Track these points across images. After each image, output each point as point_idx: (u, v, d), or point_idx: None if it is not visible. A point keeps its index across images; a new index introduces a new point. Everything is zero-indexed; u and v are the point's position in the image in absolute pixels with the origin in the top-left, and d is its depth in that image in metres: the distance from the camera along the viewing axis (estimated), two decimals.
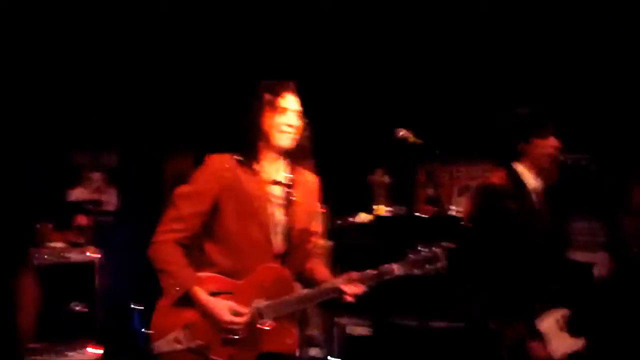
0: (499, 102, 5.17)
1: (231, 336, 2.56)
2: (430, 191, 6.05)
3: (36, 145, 5.34)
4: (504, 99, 5.29)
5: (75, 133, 5.59)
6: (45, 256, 4.44)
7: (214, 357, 2.55)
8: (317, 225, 2.90)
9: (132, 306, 4.77)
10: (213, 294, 2.58)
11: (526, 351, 2.97)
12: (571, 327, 3.02)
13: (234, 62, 5.75)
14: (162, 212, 2.69)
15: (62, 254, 4.52)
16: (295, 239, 2.70)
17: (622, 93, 5.38)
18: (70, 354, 4.32)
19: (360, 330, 4.61)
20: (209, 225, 2.66)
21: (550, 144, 3.09)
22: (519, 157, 3.14)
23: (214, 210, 2.64)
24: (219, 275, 2.62)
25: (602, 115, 5.45)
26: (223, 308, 2.55)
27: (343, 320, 4.68)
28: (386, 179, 5.98)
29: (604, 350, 3.34)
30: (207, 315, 2.56)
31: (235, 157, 2.67)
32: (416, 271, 2.65)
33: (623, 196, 4.26)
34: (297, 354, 2.82)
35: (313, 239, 2.86)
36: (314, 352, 4.67)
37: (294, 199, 2.72)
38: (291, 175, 2.75)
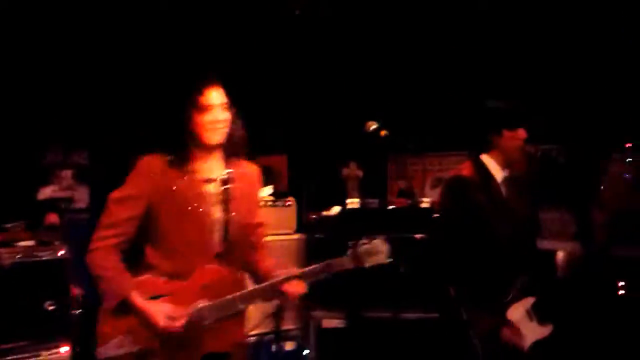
0: (472, 94, 5.20)
1: (171, 339, 2.53)
2: (402, 183, 6.08)
3: (5, 144, 5.27)
4: (479, 91, 5.33)
5: (45, 132, 5.52)
6: (17, 255, 4.38)
7: None
8: (260, 217, 2.85)
9: None
10: (153, 298, 2.55)
11: (498, 341, 3.01)
12: (539, 315, 3.07)
13: (207, 59, 5.72)
14: None
15: (33, 252, 4.46)
16: (235, 234, 2.66)
17: (597, 86, 5.44)
18: (43, 353, 4.27)
19: (334, 322, 4.63)
20: (146, 228, 2.63)
21: (519, 135, 3.13)
22: (488, 149, 3.18)
23: (149, 213, 2.61)
24: (159, 278, 2.60)
25: (574, 108, 5.51)
26: (158, 313, 2.52)
27: (317, 314, 4.69)
28: (359, 172, 6.02)
29: (571, 336, 3.39)
30: (144, 320, 2.53)
31: (167, 157, 2.63)
32: (354, 264, 2.62)
33: (593, 187, 4.32)
34: (242, 352, 2.79)
35: (257, 230, 2.82)
36: (289, 346, 4.68)
37: (231, 195, 2.67)
38: (229, 170, 2.70)
